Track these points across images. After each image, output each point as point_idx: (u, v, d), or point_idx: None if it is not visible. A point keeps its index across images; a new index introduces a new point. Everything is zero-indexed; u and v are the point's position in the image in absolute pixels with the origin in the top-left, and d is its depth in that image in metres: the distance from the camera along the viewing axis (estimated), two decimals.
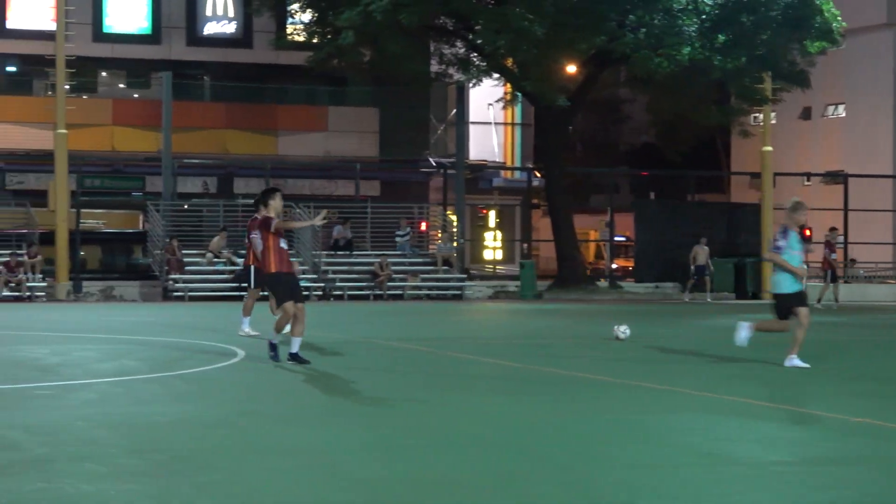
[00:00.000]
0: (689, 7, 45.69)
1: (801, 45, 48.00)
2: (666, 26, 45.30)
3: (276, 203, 17.61)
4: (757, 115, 58.13)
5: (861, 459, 10.30)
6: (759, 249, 49.17)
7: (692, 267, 45.19)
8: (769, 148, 50.52)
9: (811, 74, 51.66)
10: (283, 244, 17.33)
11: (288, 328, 22.19)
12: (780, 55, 47.49)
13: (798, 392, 15.21)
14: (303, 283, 43.52)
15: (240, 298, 41.18)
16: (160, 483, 8.89)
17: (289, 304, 17.17)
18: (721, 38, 45.80)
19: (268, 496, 8.45)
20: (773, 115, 53.05)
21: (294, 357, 17.12)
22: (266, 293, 21.28)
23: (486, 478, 9.26)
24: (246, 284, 24.38)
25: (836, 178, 63.16)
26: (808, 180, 67.35)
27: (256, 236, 17.69)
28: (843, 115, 72.79)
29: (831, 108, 73.72)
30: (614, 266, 58.05)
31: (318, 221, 19.14)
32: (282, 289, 17.44)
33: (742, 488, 8.88)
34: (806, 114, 74.45)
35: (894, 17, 68.80)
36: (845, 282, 51.93)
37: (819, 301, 39.18)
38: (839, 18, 47.60)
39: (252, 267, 23.49)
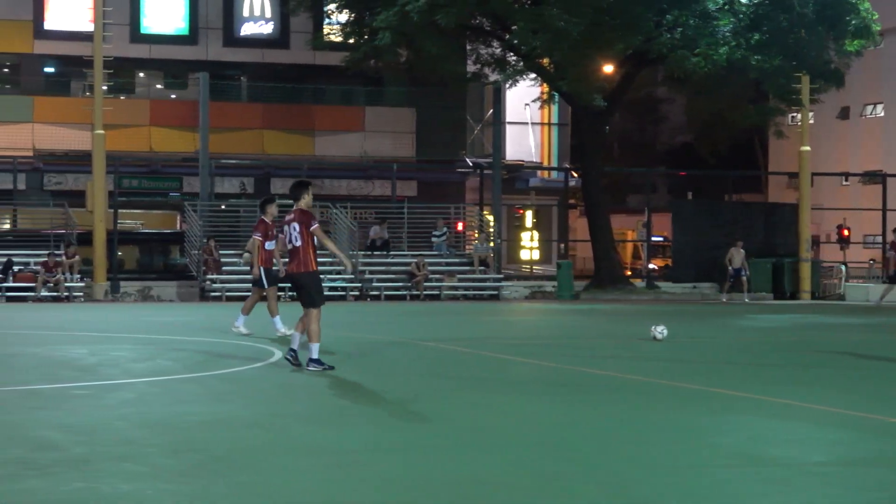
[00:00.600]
0: (725, 7, 45.59)
1: (837, 43, 47.84)
2: (702, 26, 45.23)
3: (309, 197, 16.98)
4: (795, 115, 57.96)
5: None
6: (796, 250, 49.11)
7: (729, 269, 45.19)
8: (807, 148, 50.29)
9: (849, 74, 51.55)
10: None
11: (282, 328, 22.38)
12: (816, 54, 47.32)
13: (836, 393, 15.14)
14: (340, 283, 43.85)
15: (277, 299, 41.44)
16: (197, 483, 8.92)
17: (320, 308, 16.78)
18: (756, 37, 45.68)
19: (303, 496, 8.47)
20: (811, 115, 52.79)
21: (295, 356, 16.86)
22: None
23: (523, 478, 9.25)
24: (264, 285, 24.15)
25: (875, 178, 62.83)
26: (847, 180, 67.11)
27: (293, 231, 16.69)
28: (882, 114, 72.54)
29: (870, 108, 73.49)
30: (653, 266, 57.91)
31: (349, 267, 18.75)
32: (321, 290, 17.05)
33: (781, 489, 8.85)
34: (844, 114, 74.21)
35: None
36: (884, 282, 51.69)
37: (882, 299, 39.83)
38: (876, 18, 47.41)
39: (262, 268, 23.64)
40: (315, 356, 16.49)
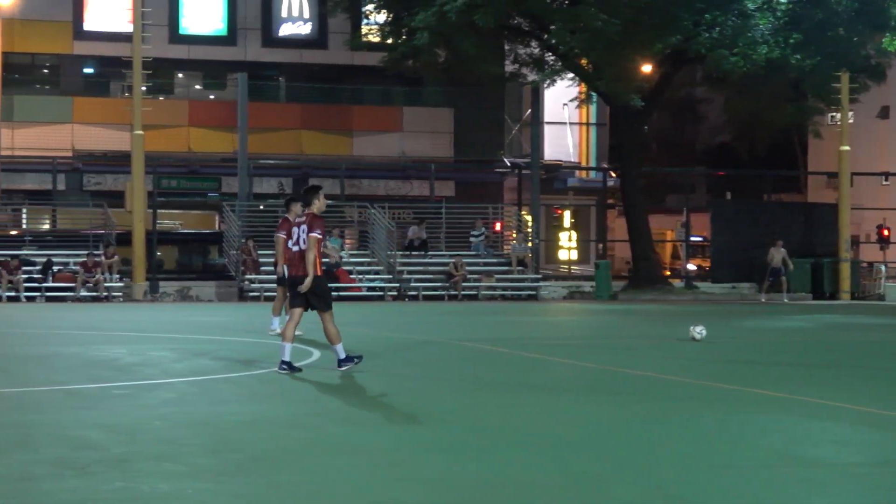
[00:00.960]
0: (764, 6, 45.46)
1: (875, 41, 47.64)
2: (740, 25, 45.10)
3: (321, 202, 16.66)
4: (834, 114, 57.67)
5: None
6: (835, 250, 48.94)
7: (769, 268, 45.14)
8: (847, 147, 50.10)
9: (889, 73, 51.27)
10: None
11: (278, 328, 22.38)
12: (855, 51, 47.14)
13: (874, 394, 15.10)
14: (378, 283, 43.92)
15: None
16: (236, 482, 8.96)
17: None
18: (795, 35, 45.52)
19: (342, 496, 8.50)
20: (850, 114, 52.56)
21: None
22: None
23: (561, 478, 9.27)
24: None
25: None
26: (886, 180, 66.67)
27: (302, 234, 16.38)
28: None
29: None
30: (692, 266, 57.76)
31: (306, 285, 16.21)
32: (329, 291, 16.86)
33: (818, 490, 8.85)
34: (884, 113, 73.84)
35: None
36: None
37: None
38: None
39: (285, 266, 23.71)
40: (342, 356, 16.32)
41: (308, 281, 16.00)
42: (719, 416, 12.80)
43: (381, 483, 9.01)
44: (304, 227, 16.33)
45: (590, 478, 9.29)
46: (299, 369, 16.29)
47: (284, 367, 16.13)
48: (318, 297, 16.24)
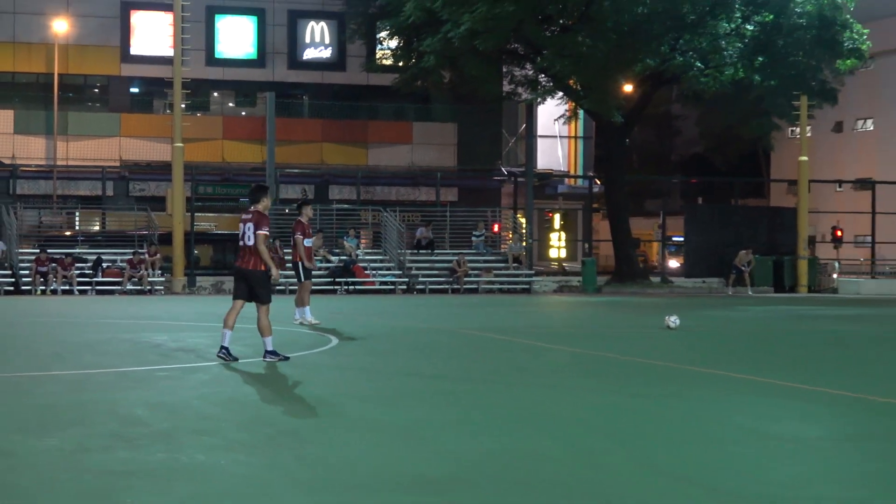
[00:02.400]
0: (733, 32, 45.44)
1: (831, 64, 47.67)
2: (712, 49, 45.08)
3: (267, 201, 15.93)
4: (794, 128, 57.68)
5: (890, 436, 10.16)
6: (795, 248, 49.01)
7: (734, 266, 45.73)
8: (805, 158, 50.12)
9: (842, 91, 51.36)
10: None
11: (310, 318, 22.21)
12: (811, 75, 47.15)
13: (826, 375, 15.03)
14: (390, 278, 43.86)
15: (334, 292, 41.56)
16: (266, 454, 8.89)
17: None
18: (760, 59, 45.51)
19: (363, 467, 8.41)
20: (808, 128, 52.62)
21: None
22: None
23: (562, 450, 9.19)
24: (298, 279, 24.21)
25: (865, 184, 62.59)
26: (840, 186, 66.78)
27: (248, 230, 15.56)
28: (872, 128, 72.25)
29: (861, 122, 73.23)
30: (677, 264, 57.78)
31: (275, 275, 15.75)
32: (269, 287, 15.91)
33: (787, 461, 8.76)
34: (838, 127, 74.03)
35: None
36: (872, 277, 51.50)
37: None
38: (866, 39, 47.21)
39: (300, 263, 23.73)
40: (270, 348, 15.65)
41: (275, 273, 15.62)
42: (697, 395, 12.73)
43: (399, 456, 8.92)
44: (250, 224, 15.58)
45: (588, 451, 9.21)
46: (236, 358, 15.61)
47: (223, 353, 15.65)
48: (257, 290, 15.65)
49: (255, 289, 15.63)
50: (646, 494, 7.62)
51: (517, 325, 25.51)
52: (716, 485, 7.94)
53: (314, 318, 23.61)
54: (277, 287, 40.92)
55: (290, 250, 24.82)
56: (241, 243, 15.76)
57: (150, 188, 53.38)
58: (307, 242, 24.00)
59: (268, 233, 15.65)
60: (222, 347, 15.75)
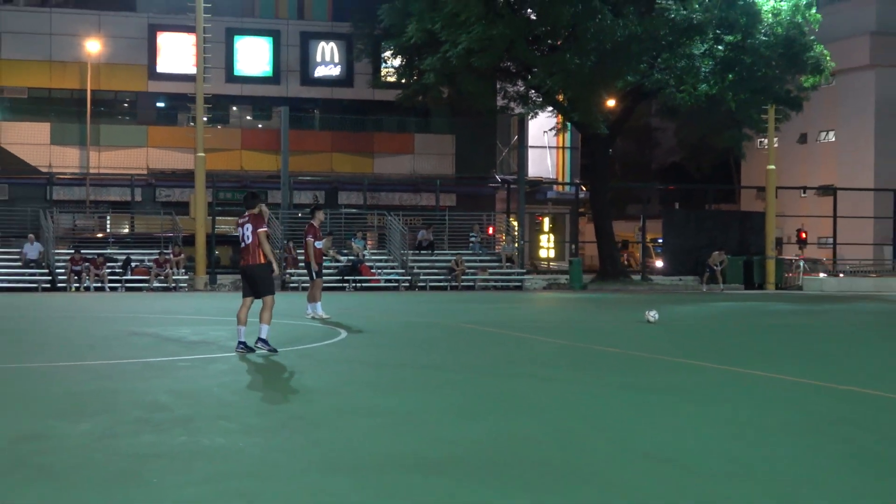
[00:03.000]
0: (706, 51, 45.45)
1: (795, 79, 47.68)
2: (687, 68, 45.09)
3: (262, 205, 16.01)
4: (763, 139, 57.68)
5: (853, 420, 10.17)
6: (763, 249, 49.14)
7: (708, 265, 45.83)
8: (773, 167, 50.15)
9: (806, 106, 51.42)
10: None
11: (321, 312, 22.12)
12: (779, 87, 47.17)
13: (791, 364, 15.02)
14: (394, 276, 43.85)
15: (343, 289, 41.56)
16: (279, 438, 8.90)
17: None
18: (731, 76, 45.53)
19: (367, 450, 8.42)
20: (776, 139, 52.65)
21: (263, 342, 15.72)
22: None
23: (549, 434, 9.20)
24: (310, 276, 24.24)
25: (827, 191, 62.71)
26: (804, 193, 66.74)
27: (246, 231, 15.66)
28: (833, 139, 72.29)
29: (823, 134, 73.25)
30: (662, 264, 57.86)
31: (276, 270, 16.05)
32: (272, 280, 15.94)
33: (760, 442, 8.77)
34: (803, 139, 74.11)
35: (876, 60, 68.98)
36: (834, 275, 51.52)
37: None
38: (828, 58, 47.23)
39: (311, 263, 23.80)
40: (264, 336, 15.53)
41: (276, 267, 15.75)
42: (672, 382, 12.72)
43: (401, 439, 8.94)
44: (248, 225, 15.67)
45: (572, 434, 9.22)
46: (252, 349, 15.57)
47: (241, 347, 15.63)
48: (260, 283, 15.68)
49: (257, 284, 15.69)
50: (623, 473, 7.64)
51: (510, 319, 25.51)
52: (688, 464, 7.94)
53: (325, 312, 23.65)
54: (290, 284, 41.17)
55: (303, 251, 24.80)
56: (241, 244, 15.84)
57: (175, 194, 53.36)
58: (318, 244, 24.01)
59: (266, 230, 15.65)
60: (239, 342, 15.70)
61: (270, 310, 15.70)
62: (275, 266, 15.62)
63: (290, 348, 16.76)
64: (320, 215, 24.33)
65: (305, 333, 19.58)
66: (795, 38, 45.60)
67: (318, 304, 23.75)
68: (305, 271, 24.42)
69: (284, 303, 31.54)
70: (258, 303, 15.90)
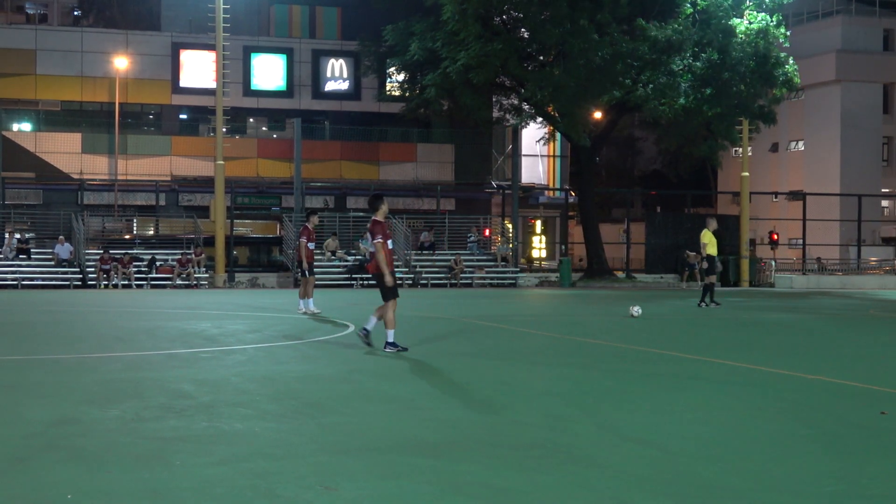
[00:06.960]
0: (685, 68, 45.44)
1: (767, 92, 47.66)
2: (667, 83, 45.05)
3: (385, 207, 15.41)
4: (737, 149, 57.69)
5: (812, 405, 10.20)
6: (738, 249, 49.18)
7: (687, 264, 45.93)
8: (746, 174, 50.22)
9: (778, 118, 51.34)
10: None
11: (312, 307, 22.20)
12: (752, 101, 47.14)
13: (761, 355, 15.04)
14: (398, 274, 43.81)
15: (350, 286, 41.57)
16: (293, 422, 8.92)
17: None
18: (707, 91, 45.51)
19: (375, 432, 8.45)
20: (749, 149, 52.69)
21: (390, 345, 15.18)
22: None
23: (540, 418, 9.23)
24: (303, 274, 24.21)
25: (797, 196, 62.69)
26: (776, 198, 66.80)
27: (370, 238, 15.21)
28: (802, 148, 72.31)
29: (793, 144, 73.24)
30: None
31: (388, 281, 15.12)
32: (391, 287, 15.23)
33: (740, 423, 8.80)
34: (774, 147, 74.14)
35: (841, 75, 69.04)
36: (803, 273, 51.54)
37: None
38: (797, 73, 47.23)
39: (303, 261, 23.87)
40: (391, 340, 15.05)
41: (388, 278, 15.03)
42: (652, 371, 12.75)
43: (407, 424, 8.96)
44: (369, 234, 15.22)
45: (561, 419, 9.24)
46: (405, 348, 15.10)
47: (390, 348, 14.98)
48: (382, 290, 15.16)
49: (379, 288, 15.22)
50: (608, 454, 7.68)
51: (504, 313, 25.54)
52: (666, 445, 7.98)
53: (315, 307, 23.63)
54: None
55: (318, 251, 24.88)
56: (371, 249, 15.39)
57: (197, 199, 53.32)
58: (311, 245, 24.17)
59: (381, 240, 14.99)
60: (387, 343, 15.05)
61: (388, 314, 15.07)
62: (386, 277, 14.97)
63: (303, 340, 16.79)
64: (314, 219, 24.52)
65: (316, 327, 19.62)
66: (768, 54, 45.59)
67: (311, 300, 23.77)
68: (299, 269, 24.59)
69: (297, 299, 31.58)
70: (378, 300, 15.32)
